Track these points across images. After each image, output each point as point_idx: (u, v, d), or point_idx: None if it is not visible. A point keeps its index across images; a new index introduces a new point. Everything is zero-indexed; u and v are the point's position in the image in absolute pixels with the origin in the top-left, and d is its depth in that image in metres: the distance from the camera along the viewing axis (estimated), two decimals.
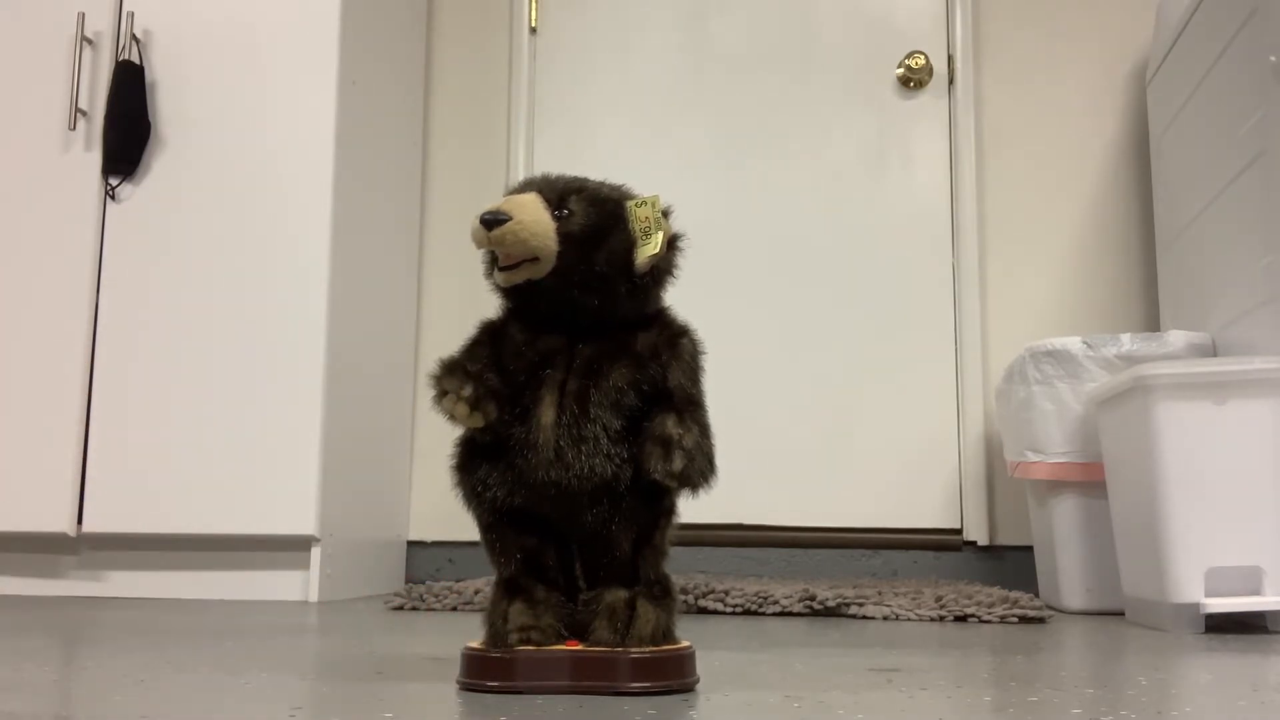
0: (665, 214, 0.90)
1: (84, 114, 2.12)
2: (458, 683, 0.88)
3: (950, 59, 2.51)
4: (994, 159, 2.47)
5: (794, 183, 2.51)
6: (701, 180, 2.53)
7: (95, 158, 2.11)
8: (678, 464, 0.82)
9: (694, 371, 0.89)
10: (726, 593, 1.78)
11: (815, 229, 2.49)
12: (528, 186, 0.89)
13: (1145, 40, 2.45)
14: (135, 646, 1.20)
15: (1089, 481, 1.85)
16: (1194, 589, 1.46)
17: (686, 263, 0.92)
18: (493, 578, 0.91)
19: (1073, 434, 1.87)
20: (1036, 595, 2.10)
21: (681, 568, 2.38)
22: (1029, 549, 2.30)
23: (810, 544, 2.40)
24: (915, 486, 2.39)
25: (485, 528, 0.89)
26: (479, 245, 0.86)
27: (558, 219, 0.86)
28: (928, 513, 2.38)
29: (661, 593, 0.88)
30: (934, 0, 2.53)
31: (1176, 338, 1.85)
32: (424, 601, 1.81)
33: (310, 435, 1.99)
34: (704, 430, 0.86)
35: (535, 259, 0.86)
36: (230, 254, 2.06)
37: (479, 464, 0.87)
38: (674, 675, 0.86)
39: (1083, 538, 1.87)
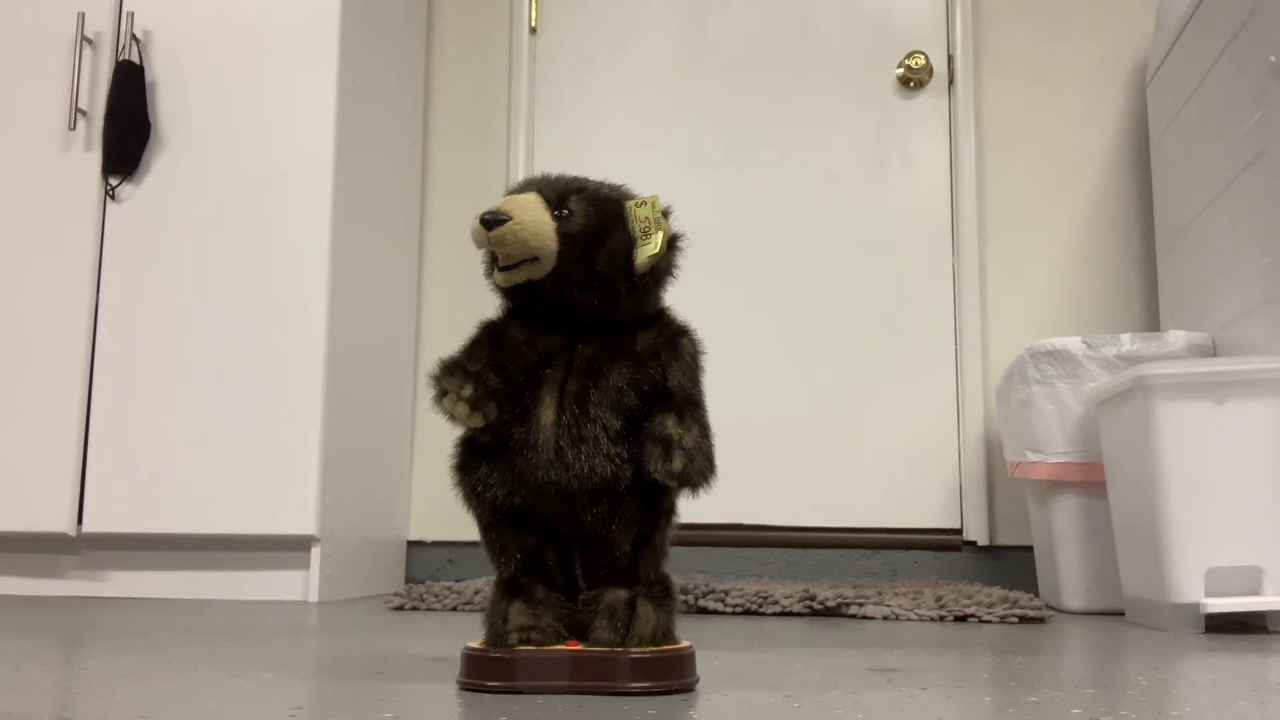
0: (665, 214, 0.90)
1: (84, 114, 2.12)
2: (458, 683, 0.88)
3: (950, 59, 2.51)
4: (994, 159, 2.47)
5: (794, 183, 2.51)
6: (701, 180, 2.53)
7: (95, 158, 2.11)
8: (678, 464, 0.82)
9: (694, 371, 0.89)
10: (726, 593, 1.78)
11: (815, 229, 2.49)
12: (528, 186, 0.89)
13: (1145, 40, 2.45)
14: (135, 646, 1.20)
15: (1089, 481, 1.85)
16: (1194, 589, 1.46)
17: (686, 263, 0.92)
18: (493, 578, 0.91)
19: (1073, 434, 1.87)
20: (1036, 595, 2.10)
21: (681, 568, 2.38)
22: (1029, 549, 2.30)
23: (810, 544, 2.40)
24: (915, 486, 2.39)
25: (485, 528, 0.89)
26: (479, 245, 0.86)
27: (558, 219, 0.86)
28: (928, 513, 2.38)
29: (661, 593, 0.88)
30: (934, 0, 2.53)
31: (1176, 338, 1.85)
32: (424, 601, 1.81)
33: (310, 435, 1.99)
34: (704, 430, 0.86)
35: (535, 259, 0.86)
36: (230, 254, 2.06)
37: (479, 464, 0.87)
38: (674, 675, 0.86)
39: (1083, 538, 1.87)
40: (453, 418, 0.84)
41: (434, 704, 0.81)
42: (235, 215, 2.07)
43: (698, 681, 0.90)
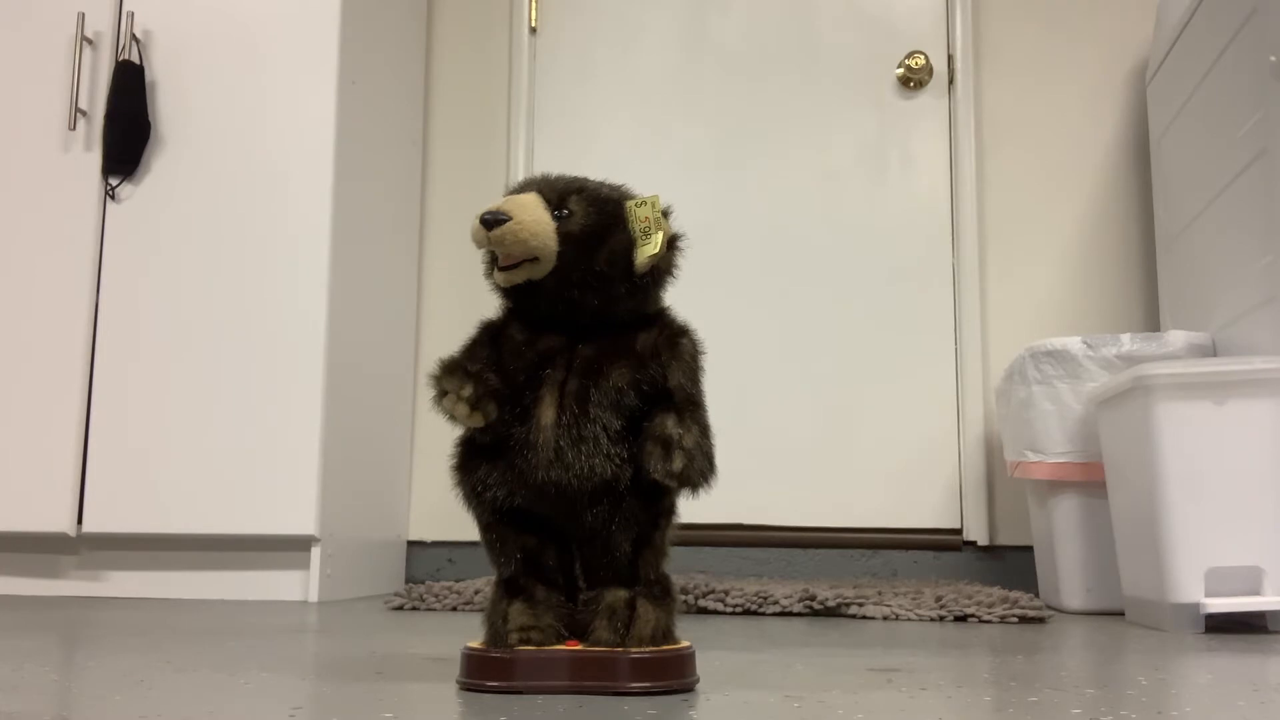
0: (665, 214, 0.90)
1: (84, 114, 2.12)
2: (458, 683, 0.88)
3: (950, 59, 2.51)
4: (994, 159, 2.47)
5: (794, 183, 2.51)
6: (701, 180, 2.53)
7: (95, 158, 2.11)
8: (678, 464, 0.82)
9: (694, 371, 0.89)
10: (726, 593, 1.78)
11: (815, 229, 2.49)
12: (528, 186, 0.89)
13: (1145, 40, 2.45)
14: (135, 646, 1.20)
15: (1089, 481, 1.85)
16: (1194, 589, 1.46)
17: (686, 263, 0.92)
18: (493, 578, 0.91)
19: (1073, 434, 1.87)
20: (1036, 595, 2.10)
21: (681, 568, 2.38)
22: (1029, 549, 2.30)
23: (810, 544, 2.40)
24: (915, 486, 2.39)
25: (485, 528, 0.89)
26: (479, 245, 0.86)
27: (558, 219, 0.86)
28: (928, 513, 2.38)
29: (661, 593, 0.88)
30: (934, 0, 2.53)
31: (1176, 338, 1.85)
32: (424, 601, 1.81)
33: (310, 435, 1.99)
34: (704, 430, 0.86)
35: (535, 259, 0.86)
36: (230, 254, 2.06)
37: (479, 464, 0.87)
38: (674, 675, 0.86)
39: (1083, 538, 1.87)
40: (453, 418, 0.84)
41: (434, 704, 0.81)
42: (235, 215, 2.07)
43: (698, 681, 0.90)
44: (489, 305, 0.91)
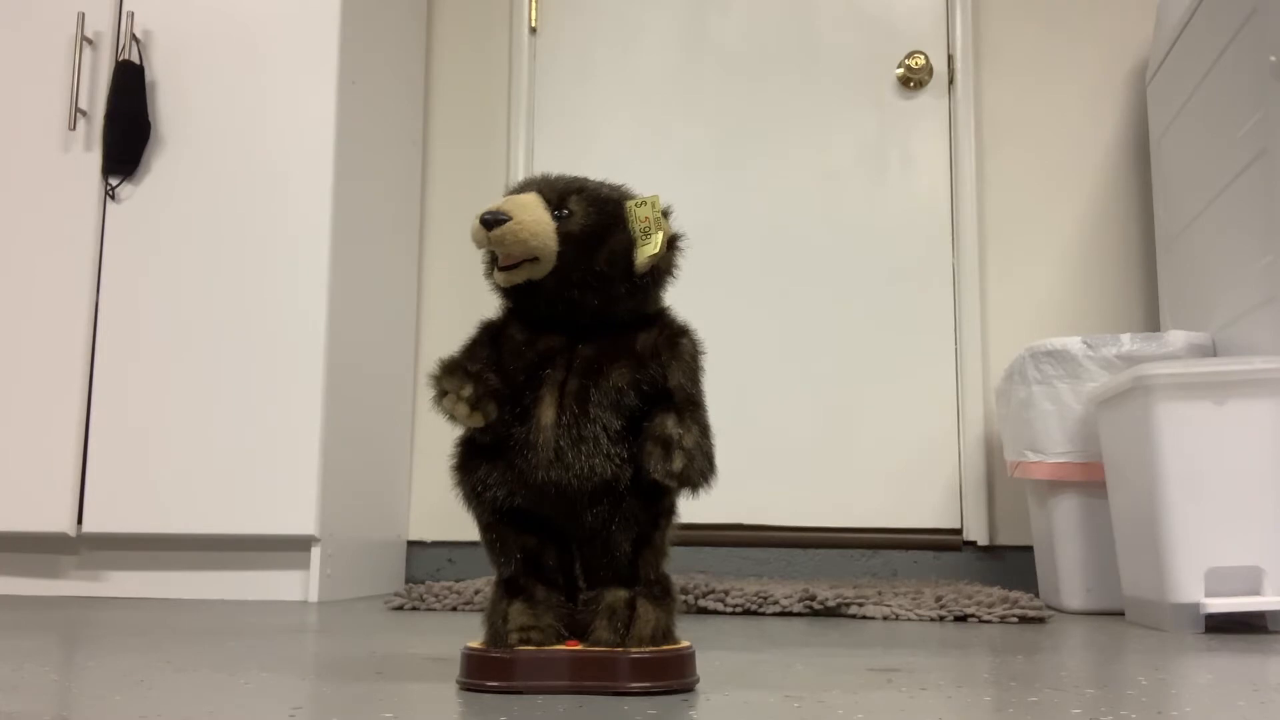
0: (665, 214, 0.90)
1: (84, 114, 2.12)
2: (458, 683, 0.88)
3: (950, 59, 2.51)
4: (994, 159, 2.47)
5: (794, 183, 2.51)
6: (701, 180, 2.53)
7: (95, 158, 2.11)
8: (678, 464, 0.82)
9: (694, 371, 0.89)
10: (726, 593, 1.78)
11: (815, 229, 2.49)
12: (528, 186, 0.89)
13: (1145, 40, 2.45)
14: (135, 646, 1.20)
15: (1089, 481, 1.85)
16: (1194, 589, 1.46)
17: (686, 263, 0.92)
18: (493, 578, 0.91)
19: (1073, 434, 1.87)
20: (1036, 595, 2.10)
21: (681, 568, 2.38)
22: (1029, 549, 2.30)
23: (810, 544, 2.40)
24: (915, 486, 2.39)
25: (485, 527, 0.89)
26: (479, 245, 0.86)
27: (558, 219, 0.86)
28: (928, 513, 2.38)
29: (661, 593, 0.88)
30: (934, 0, 2.53)
31: (1176, 338, 1.85)
32: (424, 601, 1.81)
33: (310, 435, 1.99)
34: (704, 430, 0.86)
35: (535, 259, 0.86)
36: (230, 254, 2.06)
37: (479, 464, 0.87)
38: (674, 675, 0.86)
39: (1083, 538, 1.87)
40: (453, 418, 0.84)
41: (434, 704, 0.81)
42: (235, 215, 2.07)
43: (698, 681, 0.90)
44: (489, 305, 0.91)
